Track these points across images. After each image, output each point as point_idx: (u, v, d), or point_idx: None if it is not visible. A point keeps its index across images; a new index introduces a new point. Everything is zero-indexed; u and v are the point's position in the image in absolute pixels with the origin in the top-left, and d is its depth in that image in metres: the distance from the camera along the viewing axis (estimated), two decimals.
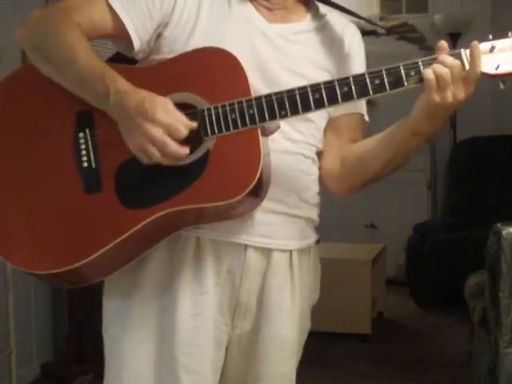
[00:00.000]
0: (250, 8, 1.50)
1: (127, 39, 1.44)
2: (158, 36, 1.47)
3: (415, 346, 4.21)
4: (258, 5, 1.51)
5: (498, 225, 2.59)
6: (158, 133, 1.32)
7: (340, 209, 5.23)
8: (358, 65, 1.56)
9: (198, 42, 1.43)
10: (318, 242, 1.62)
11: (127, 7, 1.43)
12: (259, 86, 1.42)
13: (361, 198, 5.44)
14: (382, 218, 5.61)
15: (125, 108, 1.34)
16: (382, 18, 5.76)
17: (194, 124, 1.35)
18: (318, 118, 1.52)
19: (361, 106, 1.58)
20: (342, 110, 1.54)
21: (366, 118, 1.61)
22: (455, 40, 5.33)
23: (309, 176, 1.53)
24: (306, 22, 1.55)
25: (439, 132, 5.97)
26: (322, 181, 1.58)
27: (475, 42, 1.33)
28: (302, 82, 1.38)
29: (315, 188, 1.56)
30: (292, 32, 1.52)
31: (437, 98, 1.33)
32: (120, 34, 1.44)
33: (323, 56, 1.54)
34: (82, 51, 1.38)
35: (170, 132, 1.32)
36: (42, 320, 3.64)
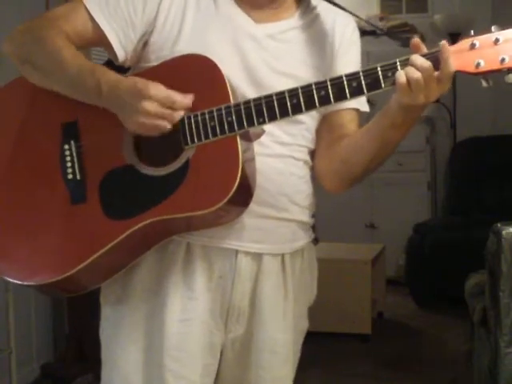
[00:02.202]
0: (236, 10, 1.48)
1: (111, 49, 1.45)
2: (145, 44, 1.47)
3: (415, 346, 4.21)
4: (244, 5, 1.48)
5: (498, 225, 2.58)
6: (152, 107, 1.33)
7: (340, 209, 5.23)
8: (350, 58, 1.53)
9: (184, 47, 1.43)
10: (316, 240, 1.61)
11: (109, 18, 1.43)
12: (248, 90, 1.42)
13: (361, 198, 5.46)
14: (382, 218, 5.61)
15: (118, 96, 1.35)
16: (381, 18, 5.76)
17: (189, 97, 1.36)
18: (309, 118, 1.50)
19: (355, 100, 1.51)
20: (333, 107, 1.50)
21: (365, 108, 1.57)
22: (455, 40, 5.32)
23: (300, 178, 1.52)
24: (295, 18, 1.52)
25: (439, 132, 6.00)
26: (316, 178, 1.57)
27: (444, 43, 1.29)
28: (291, 83, 1.36)
29: (307, 190, 1.55)
30: (280, 31, 1.49)
31: (409, 100, 1.30)
32: (104, 43, 1.45)
33: (313, 53, 1.51)
34: (69, 54, 1.39)
35: (165, 103, 1.33)
36: (41, 320, 3.64)
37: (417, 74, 1.28)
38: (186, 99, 1.36)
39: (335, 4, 1.55)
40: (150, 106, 1.32)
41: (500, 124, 5.60)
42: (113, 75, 1.37)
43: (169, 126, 1.35)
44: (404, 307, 4.92)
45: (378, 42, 5.02)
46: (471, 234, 4.65)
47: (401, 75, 1.29)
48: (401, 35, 4.76)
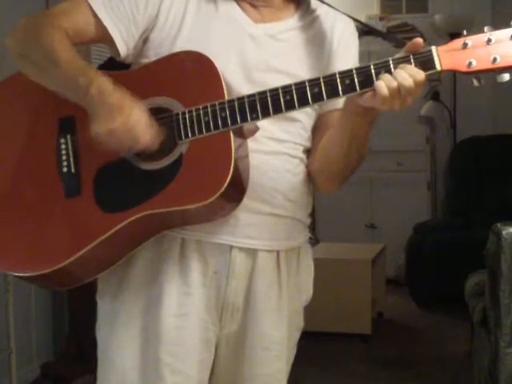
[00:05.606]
0: (235, 9, 1.49)
1: (113, 44, 1.46)
2: (145, 40, 1.48)
3: (415, 346, 4.22)
4: (244, 3, 1.50)
5: (498, 225, 2.59)
6: (120, 130, 1.34)
7: (340, 209, 5.24)
8: (348, 59, 1.54)
9: (183, 45, 1.44)
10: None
11: (111, 13, 1.44)
12: (246, 89, 1.42)
13: (361, 198, 5.47)
14: (382, 218, 5.61)
15: (103, 103, 1.35)
16: (382, 18, 5.76)
17: (161, 135, 1.37)
18: (305, 117, 1.51)
19: None
20: (328, 106, 1.52)
21: None
22: None
23: (295, 176, 1.52)
24: (294, 19, 1.53)
25: (439, 132, 6.00)
26: (310, 178, 1.57)
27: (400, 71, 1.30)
28: (288, 82, 1.37)
29: (303, 188, 1.55)
30: (279, 30, 1.50)
31: (385, 107, 1.32)
32: (106, 39, 1.46)
33: (311, 54, 1.52)
34: (65, 51, 1.40)
35: (131, 138, 1.35)
36: (41, 320, 3.64)
37: (394, 84, 1.29)
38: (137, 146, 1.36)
39: (334, 7, 1.56)
40: (119, 128, 1.34)
41: (500, 124, 5.60)
42: (107, 82, 1.37)
43: (120, 154, 1.38)
44: (404, 307, 4.93)
45: (378, 41, 5.02)
46: (471, 234, 4.66)
47: (382, 87, 1.29)
48: (397, 36, 4.74)
